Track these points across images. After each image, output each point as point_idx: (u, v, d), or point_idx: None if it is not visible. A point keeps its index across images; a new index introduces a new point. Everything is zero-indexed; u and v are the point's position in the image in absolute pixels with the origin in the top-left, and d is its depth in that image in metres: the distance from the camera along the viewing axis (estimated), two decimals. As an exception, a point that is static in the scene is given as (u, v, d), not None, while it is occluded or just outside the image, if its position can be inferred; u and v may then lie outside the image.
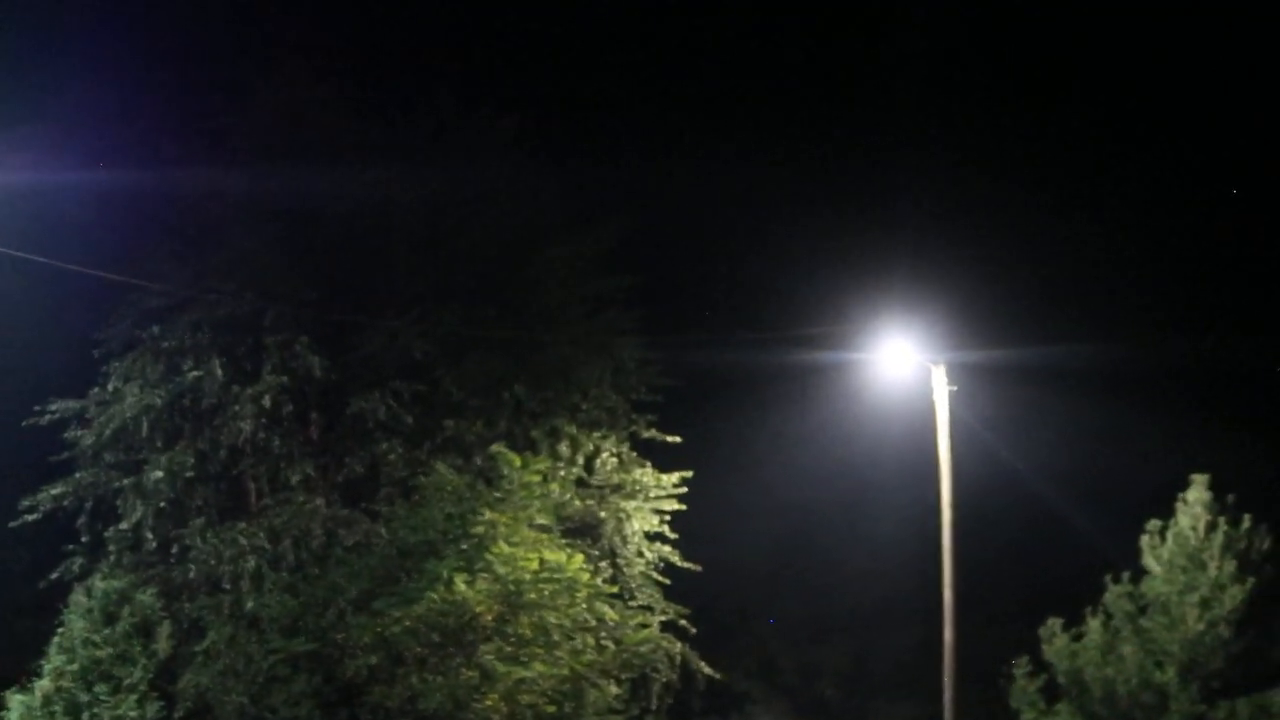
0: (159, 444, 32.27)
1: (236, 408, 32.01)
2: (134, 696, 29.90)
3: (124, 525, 31.95)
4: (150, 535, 31.95)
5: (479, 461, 33.04)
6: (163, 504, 31.97)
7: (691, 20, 57.37)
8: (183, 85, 34.97)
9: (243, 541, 31.66)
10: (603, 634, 31.36)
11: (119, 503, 32.34)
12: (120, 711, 29.80)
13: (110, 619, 30.12)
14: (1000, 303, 49.77)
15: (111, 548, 32.16)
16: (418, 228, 34.33)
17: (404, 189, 34.03)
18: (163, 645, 30.55)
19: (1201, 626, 34.14)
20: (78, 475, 32.65)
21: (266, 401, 31.91)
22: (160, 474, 31.72)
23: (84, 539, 32.56)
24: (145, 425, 32.03)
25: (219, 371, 32.01)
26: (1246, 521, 34.89)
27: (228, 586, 31.48)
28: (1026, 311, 52.35)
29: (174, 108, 34.39)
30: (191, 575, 31.78)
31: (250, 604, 31.00)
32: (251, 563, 31.47)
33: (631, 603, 33.40)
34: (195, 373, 31.99)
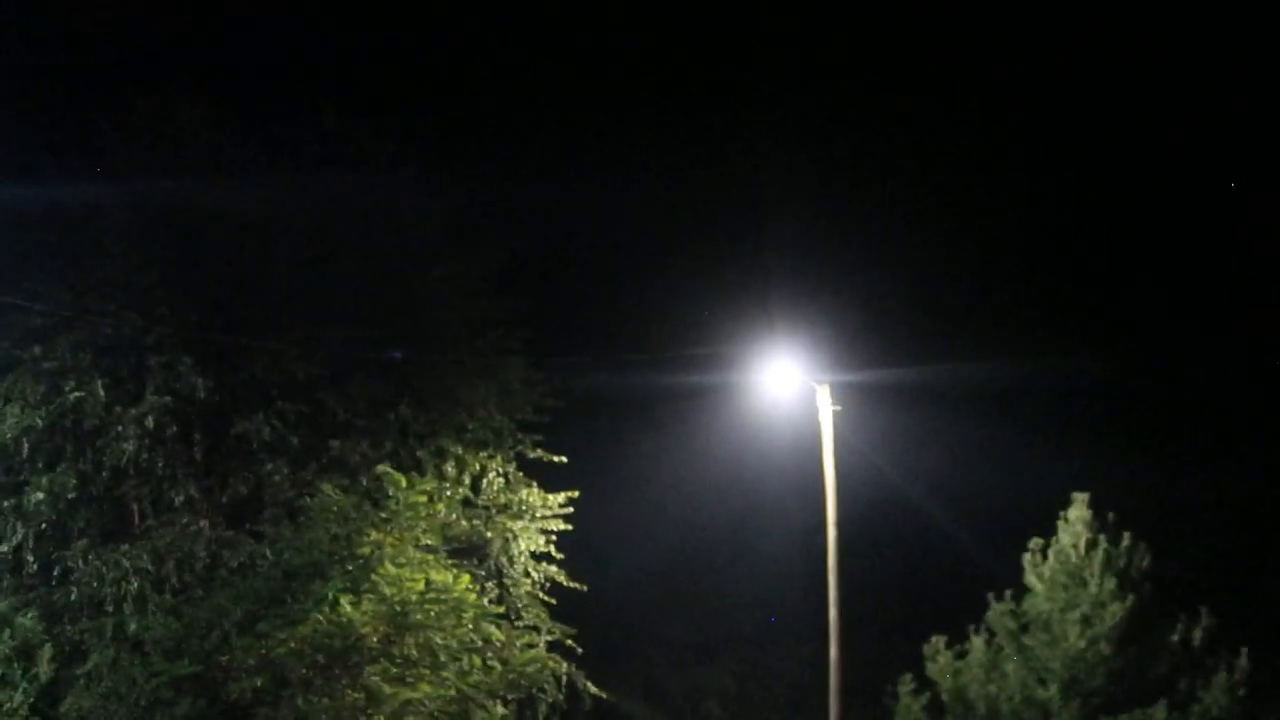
0: (40, 465, 31.88)
1: (119, 428, 31.69)
2: (15, 721, 29.66)
3: (4, 547, 31.49)
4: (31, 558, 31.52)
5: (365, 482, 32.89)
6: (44, 525, 31.56)
7: (577, 44, 57.57)
8: (60, 102, 34.65)
9: (125, 563, 31.33)
10: (489, 654, 31.34)
11: (-1, 525, 31.95)
12: (1, 736, 29.54)
13: (-10, 642, 29.88)
14: (884, 324, 50.25)
15: (-9, 570, 31.77)
16: (301, 248, 34.17)
17: (287, 209, 33.87)
18: (44, 668, 30.30)
19: (1083, 643, 34.50)
20: (-44, 497, 32.22)
21: (150, 422, 31.62)
22: (41, 495, 31.33)
23: (-38, 562, 32.12)
24: (26, 446, 31.63)
25: (101, 392, 31.65)
26: (1126, 539, 35.30)
27: (110, 609, 31.16)
28: (910, 332, 52.84)
29: (52, 125, 34.05)
30: (73, 598, 31.39)
31: (133, 626, 30.71)
32: (134, 585, 31.15)
33: (518, 623, 33.39)
34: (77, 393, 31.61)
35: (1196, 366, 53.05)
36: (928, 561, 53.69)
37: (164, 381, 31.96)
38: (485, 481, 34.42)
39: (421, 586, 30.01)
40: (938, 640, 36.47)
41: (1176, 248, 58.58)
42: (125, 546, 31.80)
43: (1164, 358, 52.77)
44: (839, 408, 33.74)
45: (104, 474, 32.14)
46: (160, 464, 32.24)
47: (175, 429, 32.29)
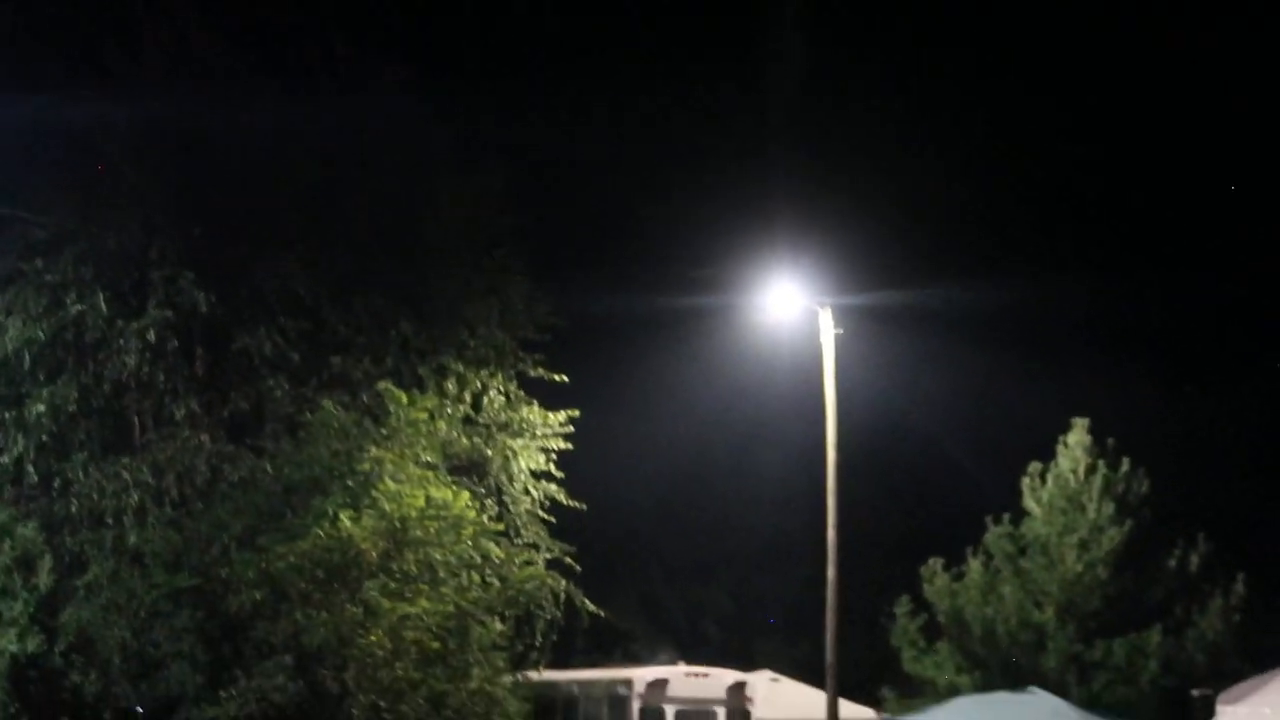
0: (41, 378, 31.89)
1: (121, 342, 31.71)
2: (14, 630, 29.83)
3: (4, 459, 31.58)
4: (31, 469, 31.59)
5: (365, 399, 32.92)
6: (44, 438, 31.60)
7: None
8: (70, 18, 34.49)
9: (126, 476, 31.41)
10: (488, 571, 31.44)
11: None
12: (0, 645, 29.68)
13: (-10, 552, 30.05)
14: (887, 246, 50.17)
15: (-8, 481, 31.87)
16: (307, 165, 34.06)
17: (294, 128, 33.75)
18: (44, 579, 30.44)
19: (1080, 568, 34.75)
20: (-44, 409, 32.31)
21: (151, 336, 31.62)
22: (42, 408, 31.37)
23: (-37, 473, 32.23)
24: (27, 359, 31.67)
25: (103, 305, 31.66)
26: (1125, 465, 35.51)
27: (110, 521, 31.25)
28: (913, 255, 52.83)
29: (60, 41, 33.91)
30: (74, 509, 31.50)
31: (133, 539, 30.81)
32: (135, 498, 31.24)
33: (517, 540, 33.46)
34: (79, 306, 31.63)
35: (1199, 292, 52.97)
36: (927, 484, 53.92)
37: (166, 295, 31.95)
38: (486, 399, 34.42)
39: (421, 503, 30.08)
40: (935, 562, 36.74)
41: (1181, 169, 58.43)
42: (126, 459, 31.87)
43: (1166, 282, 52.66)
44: (841, 330, 33.78)
45: (105, 387, 32.18)
46: (161, 378, 32.26)
47: (177, 343, 32.29)
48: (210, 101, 32.95)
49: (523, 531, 33.90)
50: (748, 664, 44.88)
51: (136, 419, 32.88)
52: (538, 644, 33.34)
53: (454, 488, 31.35)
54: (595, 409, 36.26)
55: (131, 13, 33.97)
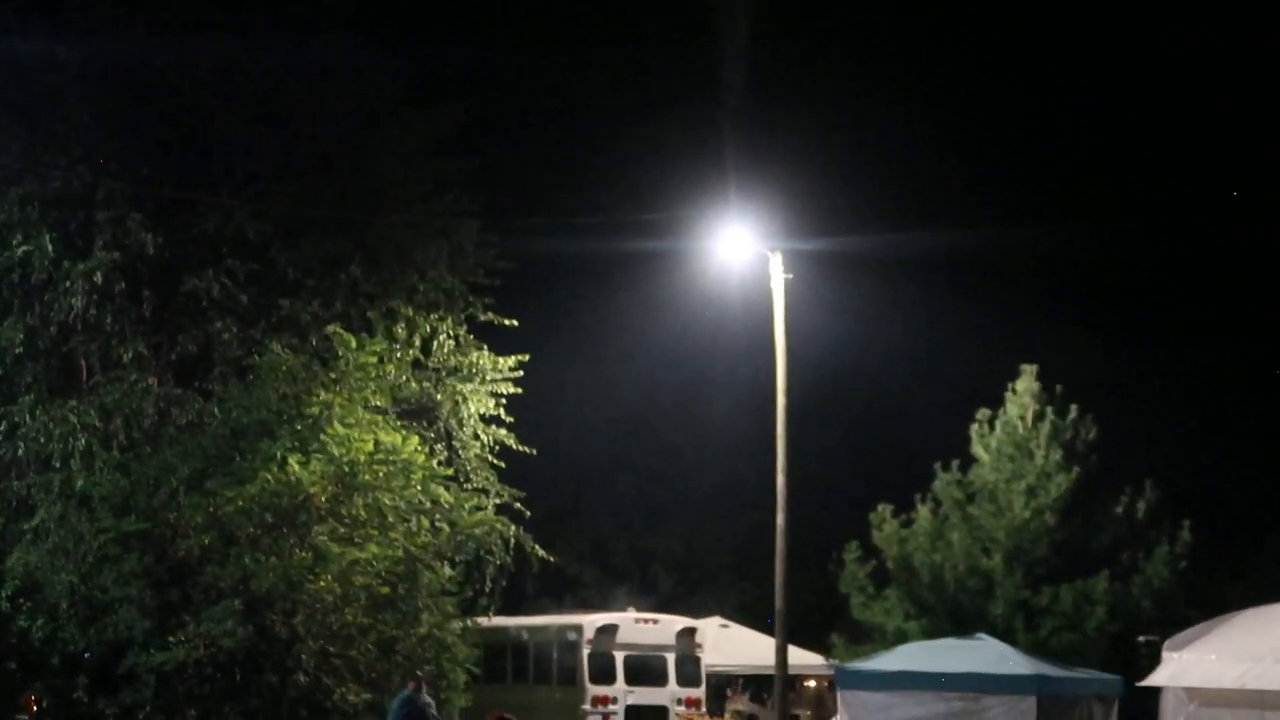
0: (-14, 319, 31.71)
1: (68, 284, 31.44)
2: (-40, 575, 29.67)
3: (-52, 402, 31.42)
4: (-23, 412, 31.45)
5: (314, 342, 32.74)
6: (-10, 380, 31.47)
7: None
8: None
9: (73, 419, 31.19)
10: (438, 516, 31.46)
11: (-57, 379, 31.80)
12: (-54, 590, 29.55)
13: (-66, 497, 29.85)
14: (838, 191, 50.16)
15: (-64, 425, 31.61)
16: (254, 105, 33.80)
17: (241, 63, 33.48)
18: (-11, 524, 30.28)
19: (1027, 514, 34.88)
20: (-99, 351, 32.02)
21: (98, 278, 31.37)
22: (-12, 350, 31.20)
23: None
24: (-28, 301, 31.46)
25: (49, 246, 31.38)
26: (1073, 412, 35.61)
27: (58, 465, 31.06)
28: (864, 201, 52.83)
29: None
30: (20, 453, 31.28)
31: (81, 482, 30.63)
32: (82, 441, 31.03)
33: (467, 485, 33.41)
34: (25, 247, 31.33)
35: (1146, 239, 53.14)
36: (876, 430, 54.02)
37: (113, 237, 31.69)
38: (435, 343, 34.32)
39: (370, 447, 30.04)
40: (884, 509, 36.80)
41: (1130, 118, 58.56)
42: (73, 402, 31.66)
43: (1114, 230, 52.79)
44: (790, 275, 33.72)
45: (52, 329, 31.96)
46: (109, 320, 32.01)
47: (124, 285, 32.05)
48: (157, 37, 32.63)
49: (472, 476, 33.84)
50: (697, 610, 45.05)
51: (84, 361, 32.67)
52: (487, 589, 33.35)
53: (403, 432, 31.28)
54: (545, 353, 36.25)
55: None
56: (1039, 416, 35.62)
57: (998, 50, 59.32)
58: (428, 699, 29.14)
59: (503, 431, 34.44)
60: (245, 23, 33.51)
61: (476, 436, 34.18)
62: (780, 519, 33.09)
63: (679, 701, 37.36)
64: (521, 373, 34.48)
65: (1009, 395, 36.09)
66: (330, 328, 32.13)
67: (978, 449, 36.11)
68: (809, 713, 43.15)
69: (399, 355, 33.27)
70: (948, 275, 50.81)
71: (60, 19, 32.81)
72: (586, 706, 36.34)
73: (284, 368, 31.20)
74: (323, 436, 29.98)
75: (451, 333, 34.47)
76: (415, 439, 31.27)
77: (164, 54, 32.49)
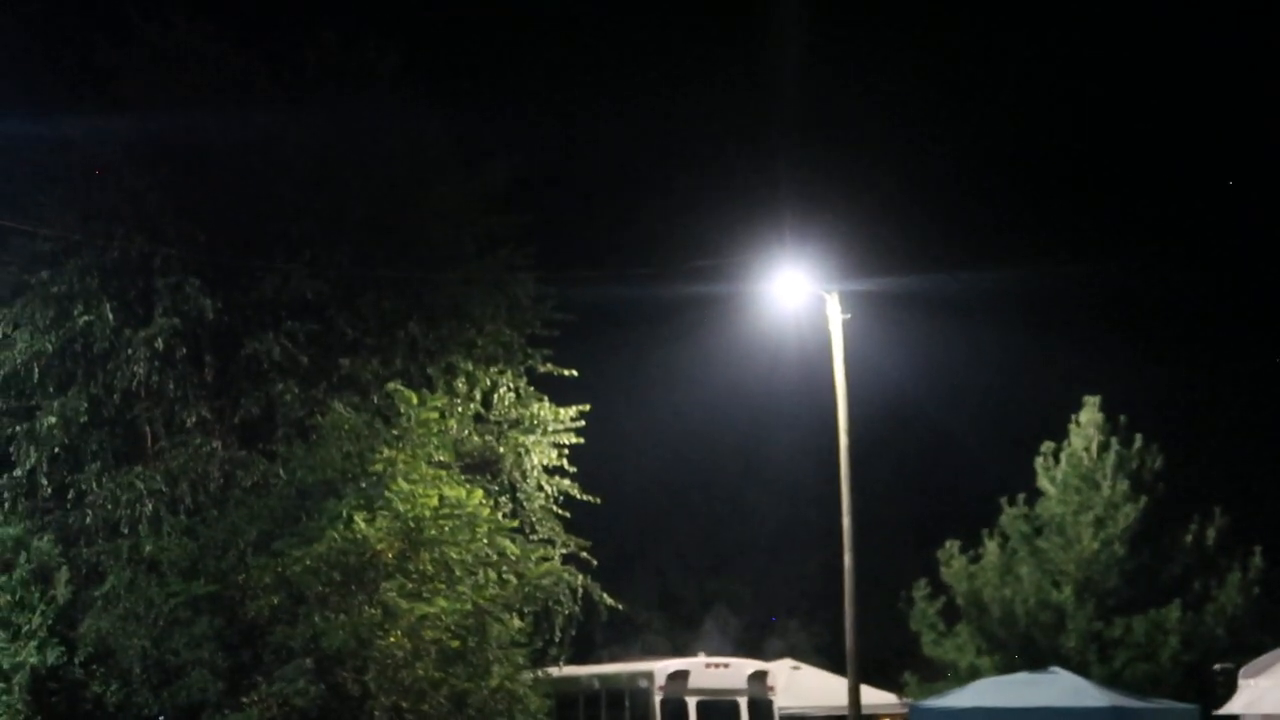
0: (51, 389, 31.88)
1: (129, 351, 31.67)
2: (34, 642, 29.81)
3: (18, 472, 31.58)
4: (45, 481, 31.56)
5: (376, 400, 32.87)
6: (57, 450, 31.57)
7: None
8: (63, 26, 34.48)
9: (139, 485, 31.37)
10: (504, 568, 31.42)
11: (12, 450, 31.96)
12: (20, 658, 29.69)
13: (7, 566, 30.01)
14: (893, 230, 50.13)
15: (6, 495, 31.78)
16: (306, 167, 34.02)
17: (291, 128, 33.74)
18: (61, 591, 30.42)
19: (1096, 545, 34.76)
20: (-31, 424, 32.28)
21: (159, 344, 31.58)
22: (53, 419, 31.35)
23: (-23, 488, 32.20)
24: (36, 371, 31.64)
25: (110, 315, 31.63)
26: (1138, 441, 35.49)
27: (125, 531, 31.22)
28: (919, 239, 52.79)
29: (55, 49, 33.88)
30: (89, 520, 31.47)
31: (149, 547, 30.77)
32: (149, 506, 31.20)
33: (532, 536, 33.45)
34: (86, 317, 31.57)
35: (1208, 266, 52.94)
36: (940, 467, 53.89)
37: (172, 303, 31.91)
38: (496, 397, 34.41)
39: (435, 502, 30.06)
40: (952, 545, 36.76)
41: (1190, 148, 58.36)
42: (139, 468, 31.85)
43: (1175, 258, 52.62)
44: (849, 315, 33.75)
45: (115, 397, 32.16)
46: (171, 386, 32.20)
47: (185, 350, 32.25)
48: (208, 105, 32.93)
49: (538, 527, 33.90)
50: (767, 653, 44.91)
51: (148, 427, 32.87)
52: (557, 639, 33.33)
53: (467, 486, 31.33)
54: (605, 402, 36.29)
55: (125, 17, 33.94)
56: (1104, 447, 35.52)
57: (1053, 82, 59.23)
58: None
59: (566, 481, 34.49)
60: (292, 86, 33.82)
61: (540, 487, 34.25)
62: (847, 559, 33.02)
63: (753, 744, 37.26)
64: (583, 422, 34.54)
65: (1073, 427, 36.01)
66: (391, 385, 32.22)
67: (1043, 482, 36.03)
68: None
69: (460, 410, 33.36)
70: (1006, 309, 50.73)
71: (108, 92, 33.17)
72: (660, 753, 36.27)
73: (346, 426, 31.32)
74: (387, 493, 30.02)
75: (511, 385, 34.58)
76: (480, 492, 31.31)
77: (213, 121, 32.75)
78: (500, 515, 32.14)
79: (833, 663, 42.12)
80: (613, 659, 43.35)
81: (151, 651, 30.09)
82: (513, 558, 31.52)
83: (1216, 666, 31.11)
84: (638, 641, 51.31)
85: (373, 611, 29.48)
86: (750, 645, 49.03)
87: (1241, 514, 36.18)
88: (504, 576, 31.26)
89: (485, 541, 30.81)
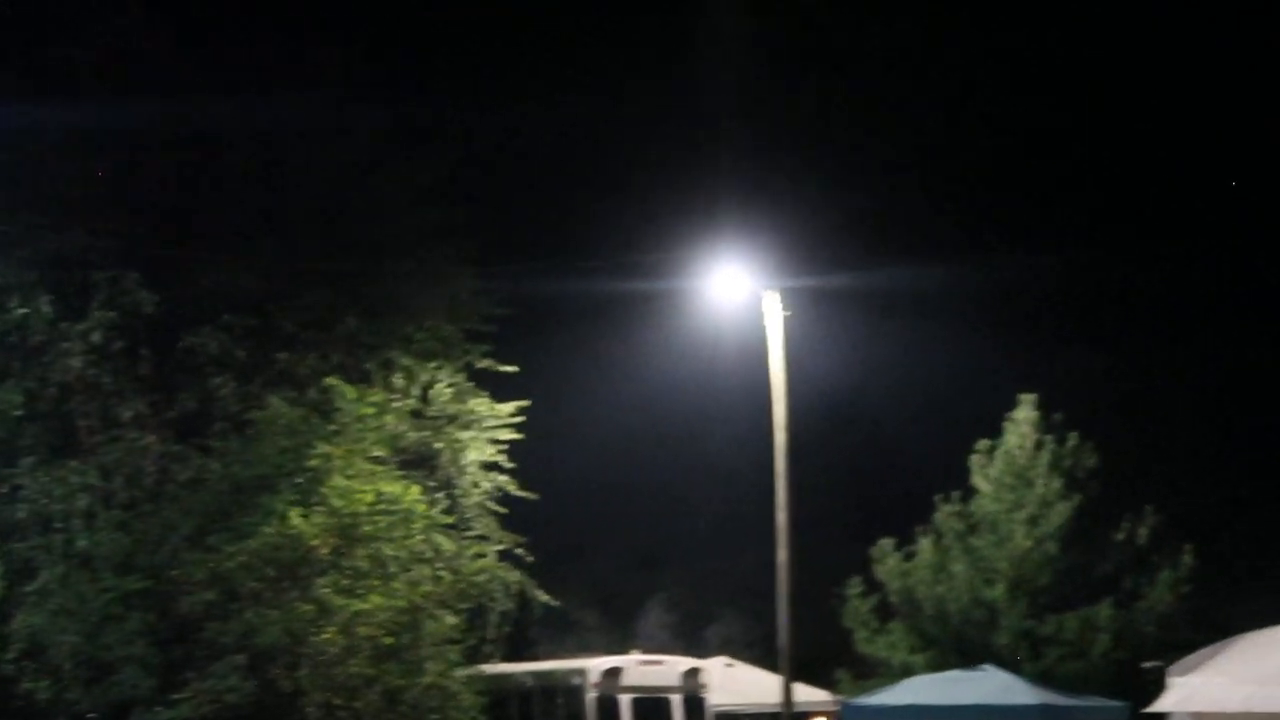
0: (-15, 383, 31.76)
1: (65, 345, 31.52)
2: (-36, 639, 29.65)
3: (-50, 466, 31.45)
4: (-22, 475, 31.48)
5: (313, 394, 32.79)
6: (-10, 443, 31.50)
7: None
8: (2, 18, 34.26)
9: (74, 480, 31.18)
10: (440, 565, 31.42)
11: (-56, 444, 31.82)
12: (-49, 655, 29.53)
13: (-62, 562, 29.85)
14: (832, 228, 50.24)
15: (-62, 489, 31.63)
16: (245, 162, 33.96)
17: (230, 122, 33.62)
18: (-8, 586, 30.27)
19: (1029, 543, 35.00)
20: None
21: (96, 338, 31.45)
22: (-13, 413, 31.24)
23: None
24: (-30, 365, 31.52)
25: (46, 309, 31.48)
26: (1073, 439, 35.72)
27: (59, 526, 31.00)
28: (857, 237, 52.90)
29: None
30: (22, 515, 31.20)
31: (82, 543, 30.59)
32: (83, 501, 31.01)
33: (468, 533, 33.48)
34: (22, 310, 31.42)
35: (1142, 265, 53.21)
36: (876, 464, 54.08)
37: (110, 297, 31.75)
38: (434, 392, 34.43)
39: (371, 498, 30.05)
40: (886, 542, 36.93)
41: (1123, 145, 58.69)
42: (73, 463, 31.65)
43: (1109, 257, 52.89)
44: (788, 313, 33.83)
45: (51, 390, 31.98)
46: (107, 380, 32.07)
47: (122, 344, 32.10)
48: (146, 98, 32.77)
49: (473, 524, 33.94)
50: (702, 649, 45.00)
51: (83, 422, 32.68)
52: (491, 636, 33.37)
53: (404, 482, 31.31)
54: (543, 398, 36.29)
55: (66, 13, 33.75)
56: (1038, 445, 35.74)
57: (989, 77, 59.48)
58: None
59: (503, 478, 34.54)
60: (231, 81, 33.68)
61: (476, 484, 34.29)
62: (782, 556, 33.13)
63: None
64: (521, 418, 34.59)
65: (1008, 425, 36.22)
66: (328, 380, 32.19)
67: (978, 480, 36.24)
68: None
69: (398, 405, 33.37)
70: (944, 308, 50.92)
71: (43, 86, 32.97)
72: (593, 751, 36.33)
73: (283, 421, 31.24)
74: (323, 489, 29.99)
75: (450, 380, 34.58)
76: (416, 488, 31.31)
77: (152, 114, 32.60)
78: (436, 511, 32.13)
79: (767, 659, 42.26)
80: (548, 656, 43.37)
81: (83, 648, 29.91)
82: (448, 554, 31.56)
83: (1146, 664, 31.31)
84: (574, 638, 51.33)
85: (307, 608, 29.43)
86: (686, 642, 49.15)
87: (1173, 513, 36.45)
88: (439, 573, 31.26)
89: (421, 538, 30.82)
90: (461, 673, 31.37)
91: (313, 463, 30.53)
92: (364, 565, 30.05)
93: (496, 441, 34.50)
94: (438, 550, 31.27)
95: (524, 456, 35.08)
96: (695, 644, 48.18)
